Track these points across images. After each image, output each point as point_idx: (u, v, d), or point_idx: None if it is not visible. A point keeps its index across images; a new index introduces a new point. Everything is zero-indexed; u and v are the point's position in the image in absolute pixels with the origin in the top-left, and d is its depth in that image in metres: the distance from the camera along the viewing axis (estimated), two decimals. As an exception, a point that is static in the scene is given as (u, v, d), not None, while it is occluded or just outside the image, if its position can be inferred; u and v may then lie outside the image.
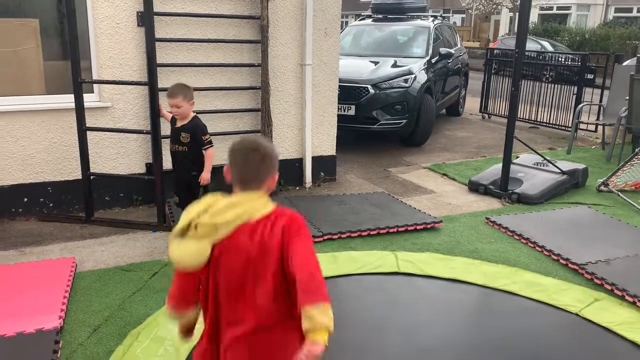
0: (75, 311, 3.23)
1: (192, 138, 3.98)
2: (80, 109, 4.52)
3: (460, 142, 8.46)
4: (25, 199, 4.74)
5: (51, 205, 4.85)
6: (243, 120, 5.51)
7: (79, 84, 4.46)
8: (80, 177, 4.71)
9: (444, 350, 3.02)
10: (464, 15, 38.60)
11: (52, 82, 4.85)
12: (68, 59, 4.53)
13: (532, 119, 9.64)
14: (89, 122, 4.63)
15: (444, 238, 4.56)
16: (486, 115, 10.59)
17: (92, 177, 4.72)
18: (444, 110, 10.31)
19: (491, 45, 22.14)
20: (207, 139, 4.02)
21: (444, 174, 6.54)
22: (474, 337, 3.20)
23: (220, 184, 4.87)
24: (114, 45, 4.78)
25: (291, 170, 5.84)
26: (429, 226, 4.74)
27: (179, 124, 4.03)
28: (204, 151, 4.02)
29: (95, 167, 4.81)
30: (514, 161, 6.06)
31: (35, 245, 4.20)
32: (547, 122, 9.40)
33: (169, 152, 4.17)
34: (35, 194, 4.77)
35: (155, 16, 4.65)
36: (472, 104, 11.43)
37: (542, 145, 8.27)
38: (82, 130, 4.57)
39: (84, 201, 4.74)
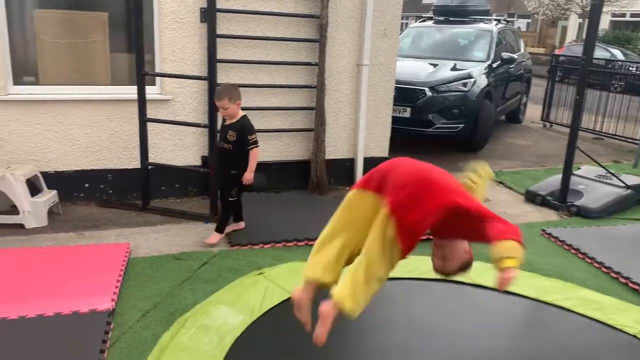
0: (127, 295, 3.35)
1: (239, 137, 4.02)
2: (142, 101, 4.68)
3: (518, 150, 8.20)
4: (87, 185, 4.96)
5: (110, 192, 5.05)
6: (297, 118, 5.55)
7: (142, 77, 4.62)
8: (139, 166, 4.88)
9: (489, 363, 2.93)
10: (529, 20, 37.41)
11: (116, 73, 5.06)
12: (133, 52, 4.71)
13: (597, 129, 9.23)
14: (150, 113, 4.79)
15: (496, 248, 4.42)
16: (548, 124, 10.22)
17: (150, 167, 4.89)
18: (503, 117, 10.04)
19: (557, 51, 21.33)
20: (252, 138, 4.03)
21: (500, 182, 6.35)
22: (520, 352, 3.09)
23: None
24: (177, 40, 4.92)
25: (342, 170, 5.83)
26: (480, 234, 4.61)
27: (227, 122, 4.09)
28: (249, 150, 4.03)
29: (154, 158, 4.97)
30: (575, 172, 5.81)
31: (93, 230, 4.39)
32: (613, 133, 8.97)
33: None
34: (96, 180, 4.98)
35: (218, 13, 4.76)
36: (533, 111, 11.06)
37: (606, 157, 7.89)
38: (143, 122, 4.73)
39: (141, 190, 4.91)
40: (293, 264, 3.84)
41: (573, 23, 31.98)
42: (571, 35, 31.79)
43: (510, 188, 6.13)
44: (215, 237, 4.21)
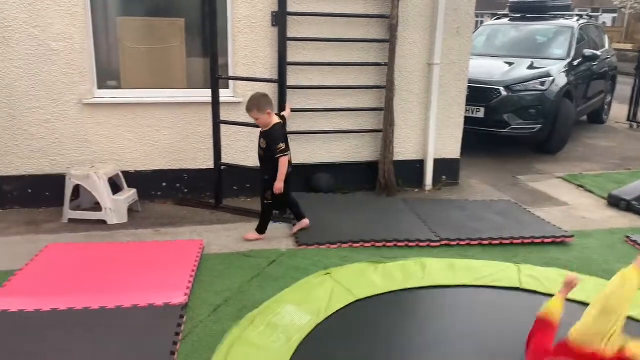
0: (199, 290, 3.47)
1: (268, 145, 4.09)
2: (216, 103, 4.85)
3: (601, 152, 7.75)
4: (164, 184, 5.19)
5: (186, 190, 5.26)
6: (366, 119, 5.53)
7: (216, 80, 4.78)
8: (212, 166, 5.05)
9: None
10: (615, 15, 35.25)
11: (192, 77, 5.25)
12: (208, 57, 4.88)
13: (692, 130, 8.54)
14: (223, 115, 4.95)
15: (574, 254, 4.20)
16: (635, 124, 9.58)
17: (223, 167, 5.04)
18: (585, 117, 9.52)
19: (646, 47, 19.93)
20: (279, 148, 4.04)
21: (580, 186, 6.03)
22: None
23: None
24: (249, 44, 5.05)
25: (411, 171, 5.75)
26: (558, 240, 4.40)
27: (262, 129, 4.18)
28: (277, 159, 4.05)
29: (226, 158, 5.12)
30: (665, 176, 5.42)
31: (169, 226, 4.58)
32: None
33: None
34: (172, 180, 5.19)
35: (288, 16, 4.83)
36: (619, 111, 10.41)
37: (702, 160, 7.30)
38: (217, 123, 4.89)
39: (214, 189, 5.07)
40: (359, 265, 3.82)
41: (665, 16, 29.75)
42: (663, 29, 29.58)
43: (591, 192, 5.80)
44: (253, 235, 4.33)
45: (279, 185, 4.09)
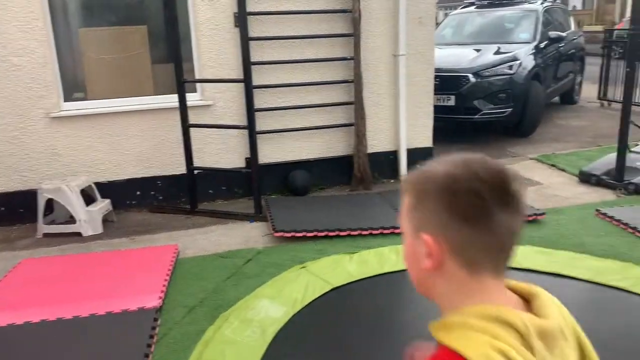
0: (173, 293, 3.46)
1: None
2: (183, 108, 4.84)
3: (573, 132, 7.85)
4: (138, 192, 5.17)
5: (161, 197, 5.24)
6: (337, 114, 5.55)
7: (181, 84, 4.77)
8: (185, 171, 5.04)
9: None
10: (585, -2, 35.68)
11: (159, 83, 5.24)
12: (173, 62, 4.87)
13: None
14: (193, 119, 4.94)
15: (546, 231, 4.26)
16: (605, 103, 9.72)
17: (196, 171, 5.03)
18: (557, 98, 9.64)
19: (616, 27, 20.23)
20: None
21: (553, 165, 6.11)
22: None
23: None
24: (213, 46, 5.05)
25: (385, 163, 5.78)
26: (530, 218, 4.46)
27: None
28: None
29: (200, 162, 5.11)
30: (632, 149, 5.51)
31: (145, 234, 4.56)
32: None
33: None
34: (146, 188, 5.17)
35: (250, 16, 4.85)
36: (591, 91, 10.55)
37: (671, 132, 7.41)
38: (186, 127, 4.88)
39: (189, 194, 5.06)
40: (335, 257, 3.85)
41: (633, -4, 30.17)
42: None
43: (563, 170, 5.88)
44: None
45: None
